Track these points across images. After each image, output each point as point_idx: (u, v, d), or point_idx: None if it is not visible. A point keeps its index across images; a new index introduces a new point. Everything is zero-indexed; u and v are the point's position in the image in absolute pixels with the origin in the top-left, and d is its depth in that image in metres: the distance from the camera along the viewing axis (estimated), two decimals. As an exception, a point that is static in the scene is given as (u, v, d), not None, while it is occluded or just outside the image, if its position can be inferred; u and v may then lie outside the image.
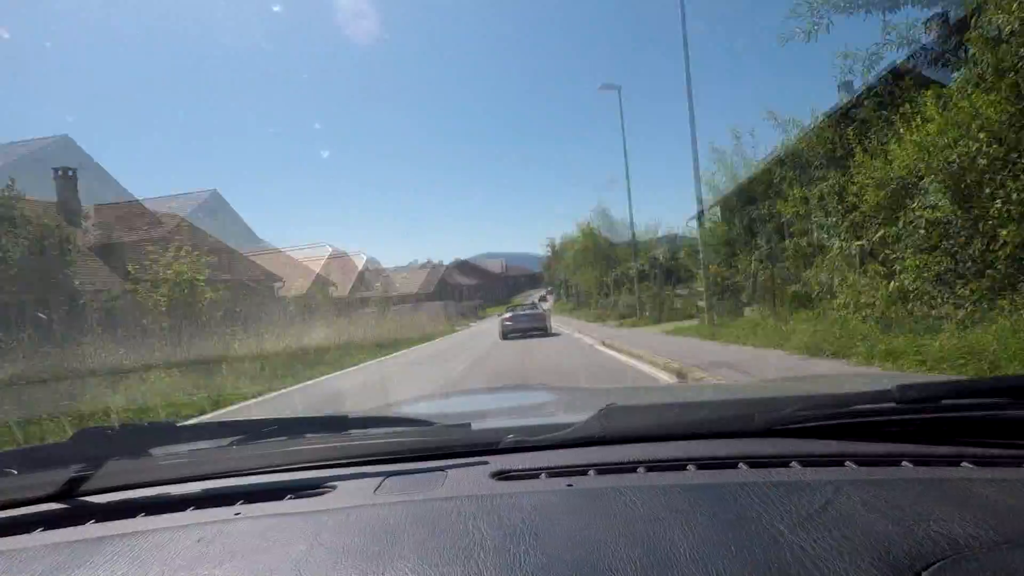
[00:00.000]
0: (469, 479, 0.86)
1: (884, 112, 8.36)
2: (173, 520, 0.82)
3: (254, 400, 8.99)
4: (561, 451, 0.95)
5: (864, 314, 7.83)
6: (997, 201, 5.92)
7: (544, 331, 19.79)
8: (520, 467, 0.89)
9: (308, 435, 1.09)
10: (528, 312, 21.10)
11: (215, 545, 0.70)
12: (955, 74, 7.08)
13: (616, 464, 0.87)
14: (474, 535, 0.65)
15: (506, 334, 19.23)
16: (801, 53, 22.03)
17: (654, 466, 0.85)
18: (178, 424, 1.10)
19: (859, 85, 9.47)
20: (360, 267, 40.50)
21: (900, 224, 7.40)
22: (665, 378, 7.69)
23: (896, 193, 7.47)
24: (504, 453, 0.96)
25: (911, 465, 0.79)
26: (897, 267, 7.49)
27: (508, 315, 20.52)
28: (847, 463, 0.81)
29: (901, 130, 7.36)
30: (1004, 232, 5.81)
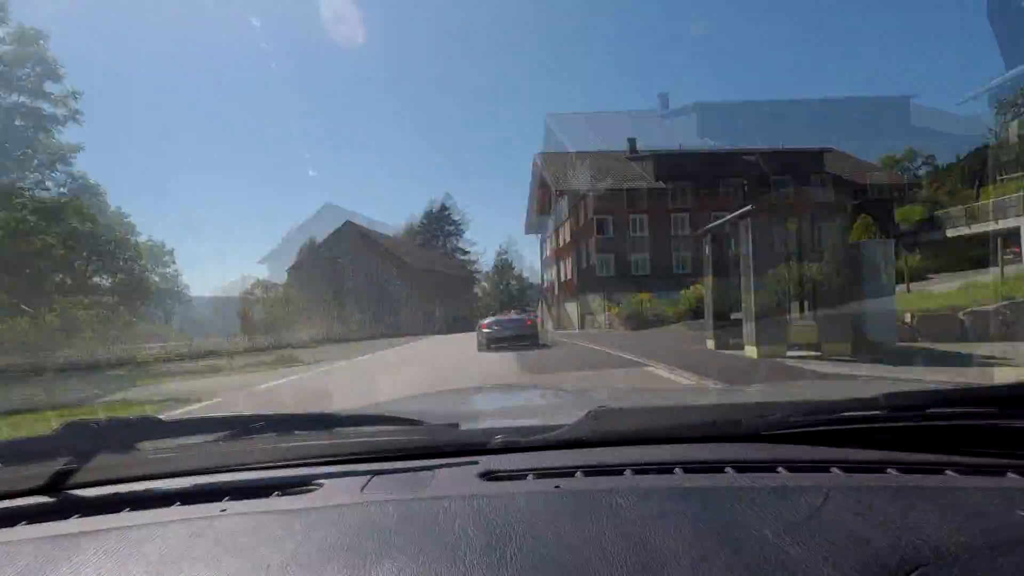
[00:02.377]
0: (457, 479, 0.86)
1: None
2: (159, 515, 0.81)
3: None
4: (550, 452, 0.95)
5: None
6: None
7: (534, 340, 16.26)
8: (508, 468, 0.89)
9: (296, 432, 1.09)
10: (515, 318, 17.26)
11: (201, 541, 0.70)
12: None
13: (604, 466, 0.88)
14: (460, 535, 0.65)
15: (487, 344, 15.68)
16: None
17: (641, 469, 0.86)
18: (165, 418, 1.09)
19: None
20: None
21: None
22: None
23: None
24: (492, 454, 0.96)
25: (896, 472, 0.80)
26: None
27: (489, 320, 16.80)
28: (833, 469, 0.81)
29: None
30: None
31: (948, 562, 0.56)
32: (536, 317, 19.31)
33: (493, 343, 15.70)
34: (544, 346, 16.02)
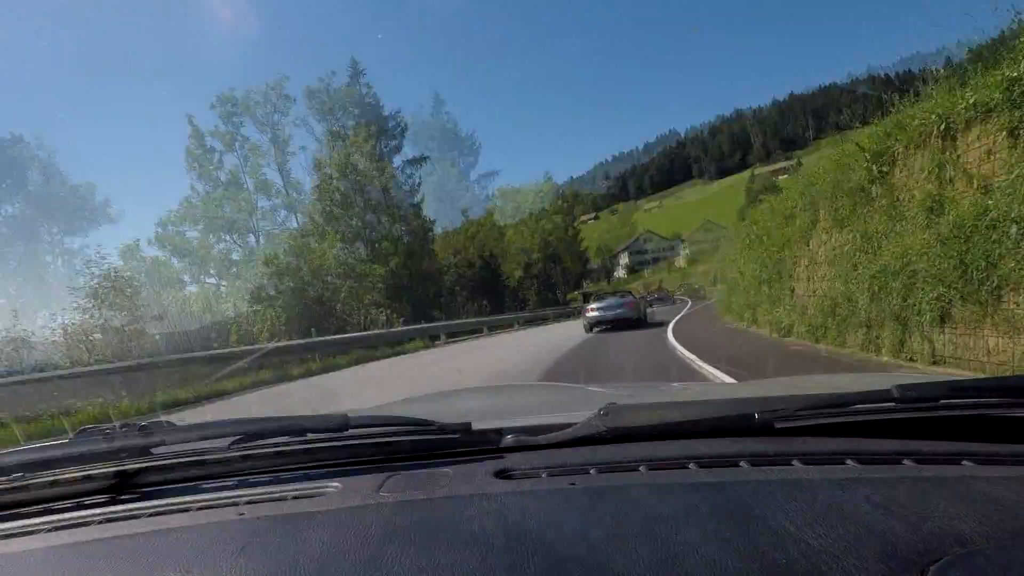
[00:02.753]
0: (471, 478, 0.87)
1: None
2: (174, 521, 0.82)
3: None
4: (562, 450, 0.95)
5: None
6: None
7: (640, 322, 16.73)
8: (522, 466, 0.89)
9: (309, 434, 1.09)
10: (620, 300, 17.34)
11: (216, 545, 0.70)
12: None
13: (617, 463, 0.88)
14: (476, 534, 0.66)
15: (592, 326, 16.58)
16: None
17: (655, 464, 0.86)
18: (178, 423, 1.10)
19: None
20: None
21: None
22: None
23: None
24: (505, 452, 0.96)
25: (912, 463, 0.79)
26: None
27: (595, 304, 17.19)
28: (848, 461, 0.81)
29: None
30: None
31: (968, 553, 0.55)
32: (639, 300, 18.69)
33: (598, 326, 16.61)
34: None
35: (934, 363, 5.57)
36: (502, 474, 0.87)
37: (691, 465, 0.84)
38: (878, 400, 0.92)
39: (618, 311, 16.65)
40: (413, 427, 1.16)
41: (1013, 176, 4.43)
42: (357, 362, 16.02)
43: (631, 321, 16.65)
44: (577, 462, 0.89)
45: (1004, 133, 4.61)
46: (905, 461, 0.80)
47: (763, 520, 0.64)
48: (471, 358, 13.59)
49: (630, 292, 20.29)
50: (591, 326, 16.76)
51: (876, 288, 6.47)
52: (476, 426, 1.10)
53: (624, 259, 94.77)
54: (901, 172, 6.29)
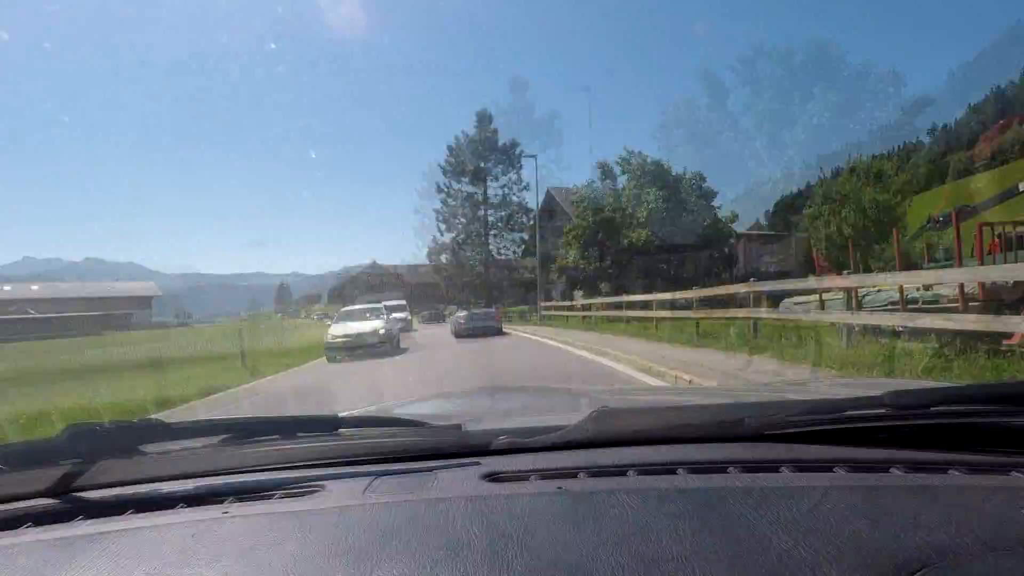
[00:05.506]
0: (459, 480, 0.86)
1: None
2: (163, 518, 0.81)
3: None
4: (552, 453, 0.95)
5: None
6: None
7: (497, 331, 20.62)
8: (511, 469, 0.89)
9: (299, 434, 1.09)
10: (482, 311, 21.93)
11: (204, 543, 0.70)
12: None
13: (607, 467, 0.88)
14: (463, 536, 0.65)
15: (459, 333, 19.68)
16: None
17: (644, 469, 0.86)
18: (169, 422, 1.09)
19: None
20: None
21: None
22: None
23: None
24: (495, 455, 0.96)
25: (900, 471, 0.79)
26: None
27: (463, 315, 21.06)
28: (837, 468, 0.81)
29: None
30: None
31: (952, 562, 0.55)
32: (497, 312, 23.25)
33: (464, 332, 19.91)
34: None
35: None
36: (491, 476, 0.87)
37: (680, 470, 0.84)
38: (869, 407, 0.92)
39: (482, 320, 20.48)
40: (403, 428, 1.16)
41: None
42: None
43: (494, 330, 20.51)
44: (567, 465, 0.89)
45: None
46: (893, 469, 0.80)
47: (747, 527, 0.64)
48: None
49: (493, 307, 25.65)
50: (459, 333, 19.93)
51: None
52: (467, 428, 1.10)
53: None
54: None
